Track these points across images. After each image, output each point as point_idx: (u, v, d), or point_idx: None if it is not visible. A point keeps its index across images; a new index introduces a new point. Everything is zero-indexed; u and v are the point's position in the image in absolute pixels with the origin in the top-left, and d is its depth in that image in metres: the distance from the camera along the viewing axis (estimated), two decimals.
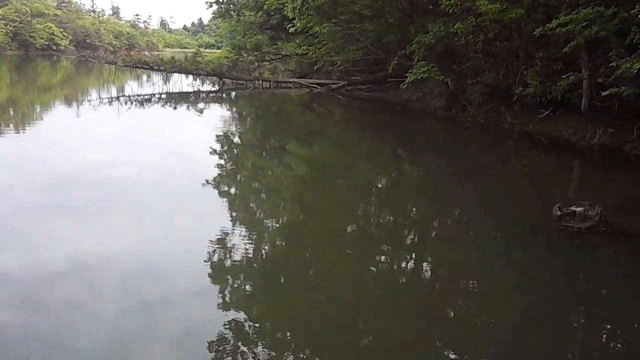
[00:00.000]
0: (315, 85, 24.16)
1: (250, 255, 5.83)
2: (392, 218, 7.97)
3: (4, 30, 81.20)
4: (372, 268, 5.72)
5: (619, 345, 4.34)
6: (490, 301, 4.90)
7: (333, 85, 23.54)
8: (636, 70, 9.43)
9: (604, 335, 4.52)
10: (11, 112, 19.20)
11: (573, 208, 6.17)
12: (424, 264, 6.07)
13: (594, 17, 10.37)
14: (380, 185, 9.88)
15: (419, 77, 15.62)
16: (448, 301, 4.95)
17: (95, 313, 4.45)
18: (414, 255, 6.25)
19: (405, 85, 16.60)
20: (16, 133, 14.04)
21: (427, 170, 10.75)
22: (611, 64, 10.21)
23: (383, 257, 6.12)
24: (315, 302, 4.88)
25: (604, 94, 10.65)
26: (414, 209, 8.36)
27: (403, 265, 6.02)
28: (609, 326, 4.60)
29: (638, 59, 9.42)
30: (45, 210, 7.13)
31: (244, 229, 6.74)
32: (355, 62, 22.40)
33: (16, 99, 23.40)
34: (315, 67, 25.46)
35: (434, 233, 7.29)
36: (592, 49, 11.70)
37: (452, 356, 3.99)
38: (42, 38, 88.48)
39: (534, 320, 4.56)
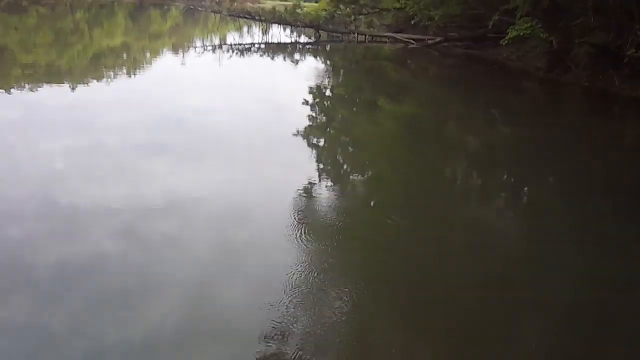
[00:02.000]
0: (411, 41, 23.79)
1: (333, 207, 6.07)
2: (480, 182, 8.00)
3: None
4: (459, 231, 5.71)
5: None
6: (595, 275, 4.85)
7: (429, 41, 23.07)
8: None
9: None
10: (124, 57, 20.89)
11: None
12: (516, 231, 6.09)
13: None
14: (469, 148, 9.74)
15: (521, 35, 14.99)
16: (548, 274, 4.79)
17: (186, 248, 4.87)
18: (503, 222, 6.31)
19: (506, 42, 15.95)
20: (128, 77, 15.38)
21: (521, 136, 10.48)
22: None
23: (470, 221, 6.09)
24: (397, 257, 5.04)
25: None
26: (504, 175, 8.32)
27: (491, 227, 6.00)
28: None
29: None
30: (148, 148, 7.82)
31: (330, 181, 7.08)
32: (454, 17, 21.71)
33: (129, 45, 25.26)
34: (412, 22, 24.89)
35: (524, 201, 7.30)
36: None
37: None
38: None
39: None
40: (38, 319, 3.73)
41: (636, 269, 4.96)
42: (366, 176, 7.81)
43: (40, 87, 12.63)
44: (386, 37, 25.59)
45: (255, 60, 20.39)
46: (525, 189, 7.62)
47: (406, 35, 24.65)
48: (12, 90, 11.98)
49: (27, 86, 12.61)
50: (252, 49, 23.22)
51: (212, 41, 27.94)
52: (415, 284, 4.54)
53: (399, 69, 20.58)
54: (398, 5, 24.89)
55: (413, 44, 23.56)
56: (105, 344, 3.47)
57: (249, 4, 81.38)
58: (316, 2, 40.67)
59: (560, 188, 7.57)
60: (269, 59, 21.16)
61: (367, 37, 25.82)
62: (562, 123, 11.28)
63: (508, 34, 15.52)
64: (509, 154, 9.14)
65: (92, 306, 3.90)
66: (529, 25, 14.67)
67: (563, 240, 5.52)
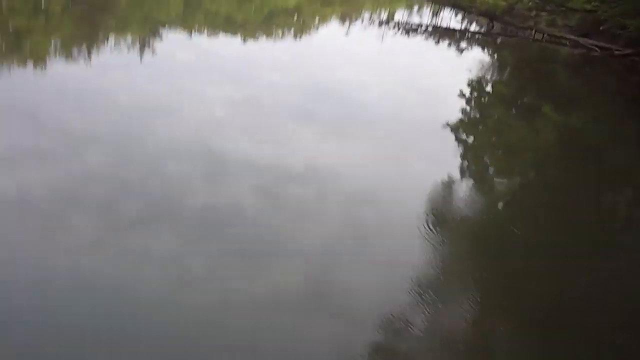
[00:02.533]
0: (594, 47, 21.48)
1: (467, 208, 5.87)
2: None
3: None
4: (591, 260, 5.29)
5: None
6: None
7: (616, 52, 20.63)
8: None
9: None
10: (294, 19, 21.59)
11: None
12: None
13: None
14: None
15: None
16: None
17: (317, 220, 5.06)
18: None
19: None
20: (293, 39, 15.97)
21: None
22: None
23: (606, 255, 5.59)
24: (520, 267, 4.80)
25: None
26: None
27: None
28: None
29: None
30: (298, 112, 8.14)
31: (471, 181, 6.81)
32: None
33: (301, 8, 26.04)
34: (601, 28, 22.41)
35: None
36: None
37: None
38: None
39: None
40: (178, 251, 4.05)
41: None
42: (510, 184, 7.32)
43: (215, 35, 13.61)
44: (567, 39, 23.38)
45: (419, 42, 19.89)
46: None
47: (590, 41, 22.28)
48: (192, 35, 13.03)
49: (204, 32, 13.65)
50: (419, 30, 22.66)
51: (379, 15, 27.75)
52: (532, 296, 4.23)
53: (573, 77, 18.79)
54: (589, 7, 22.51)
55: (597, 51, 21.25)
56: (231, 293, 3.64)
57: None
58: None
59: None
60: (434, 42, 20.51)
61: (544, 35, 23.83)
62: None
63: None
64: None
65: (224, 253, 4.15)
66: None
67: None
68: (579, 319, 4.04)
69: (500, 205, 6.57)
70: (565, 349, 3.68)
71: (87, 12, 13.18)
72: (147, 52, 10.15)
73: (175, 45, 11.49)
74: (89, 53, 9.39)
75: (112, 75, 8.41)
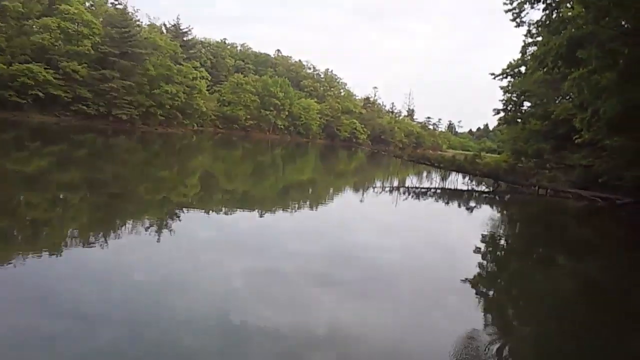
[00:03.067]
0: (596, 198, 22.51)
1: None
2: None
3: (319, 122, 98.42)
4: None
5: None
6: None
7: (618, 201, 21.57)
8: None
9: None
10: (310, 191, 23.16)
11: None
12: None
13: None
14: None
15: None
16: None
17: None
18: None
19: None
20: (310, 209, 16.92)
21: None
22: None
23: None
24: None
25: None
26: None
27: None
28: None
29: None
30: (318, 279, 8.45)
31: (493, 333, 6.87)
32: None
33: (316, 181, 27.98)
34: (600, 180, 23.73)
35: None
36: None
37: None
38: (346, 131, 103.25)
39: None
40: None
41: None
42: (531, 333, 7.39)
43: (233, 212, 14.57)
44: (570, 192, 24.59)
45: (430, 204, 20.99)
46: None
47: (592, 193, 23.42)
48: (210, 214, 13.98)
49: (222, 210, 14.65)
50: (428, 192, 24.05)
51: (390, 182, 29.60)
52: None
53: (582, 226, 19.40)
54: (585, 162, 24.13)
55: (600, 202, 22.23)
56: None
57: (430, 152, 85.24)
58: (498, 154, 41.19)
59: None
60: (444, 203, 21.63)
61: (548, 190, 25.11)
62: None
63: None
64: None
65: None
66: None
67: None
68: None
69: (524, 353, 6.70)
70: None
71: (105, 200, 13.97)
72: (166, 233, 10.51)
73: (193, 223, 11.99)
74: (106, 238, 9.58)
75: (130, 257, 8.62)
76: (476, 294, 8.89)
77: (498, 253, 13.23)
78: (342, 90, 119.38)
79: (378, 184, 28.62)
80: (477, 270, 10.48)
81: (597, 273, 11.56)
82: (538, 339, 7.22)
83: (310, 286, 8.12)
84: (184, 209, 14.03)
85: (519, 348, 6.78)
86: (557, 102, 27.94)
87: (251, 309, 6.83)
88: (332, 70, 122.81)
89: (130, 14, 65.87)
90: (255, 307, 6.91)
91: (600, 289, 10.16)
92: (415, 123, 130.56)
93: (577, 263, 12.44)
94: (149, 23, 77.19)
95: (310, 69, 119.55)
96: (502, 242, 14.87)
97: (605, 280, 10.81)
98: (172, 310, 6.41)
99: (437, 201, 21.98)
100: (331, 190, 24.29)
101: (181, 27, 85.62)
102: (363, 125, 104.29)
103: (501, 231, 16.76)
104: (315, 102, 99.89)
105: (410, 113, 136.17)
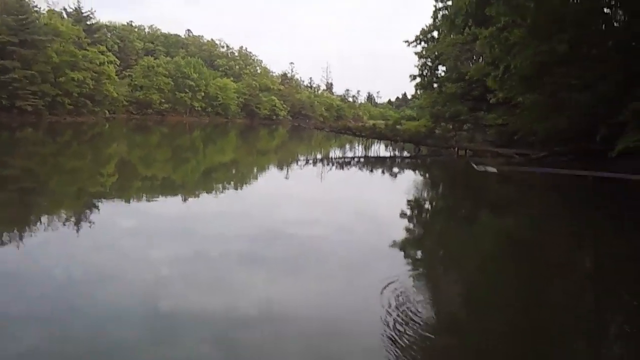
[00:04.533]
0: (513, 155, 23.31)
1: (424, 326, 5.67)
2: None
3: (237, 102, 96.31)
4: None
5: None
6: None
7: (533, 156, 22.43)
8: None
9: None
10: (233, 172, 22.35)
11: None
12: None
13: None
14: (569, 269, 8.97)
15: (631, 146, 14.19)
16: None
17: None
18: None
19: (615, 153, 15.12)
20: (234, 190, 16.24)
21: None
22: None
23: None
24: None
25: None
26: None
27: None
28: None
29: None
30: (246, 259, 7.99)
31: (424, 291, 6.75)
32: (558, 132, 21.10)
33: (238, 161, 27.12)
34: (515, 137, 24.63)
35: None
36: None
37: None
38: (265, 109, 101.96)
39: None
40: None
41: None
42: (460, 292, 7.21)
43: (155, 198, 13.69)
44: (488, 151, 25.34)
45: (355, 173, 20.88)
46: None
47: (509, 150, 24.25)
48: (131, 200, 13.07)
49: (143, 198, 13.72)
50: (352, 162, 23.91)
51: (314, 155, 29.29)
52: None
53: (502, 182, 19.96)
54: (499, 121, 24.89)
55: (516, 158, 23.03)
56: None
57: (351, 122, 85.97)
58: (417, 120, 41.99)
59: None
60: (368, 171, 21.58)
61: (467, 151, 25.76)
62: None
63: (617, 145, 14.70)
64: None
65: None
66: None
67: None
68: None
69: (453, 309, 6.51)
70: None
71: (16, 196, 12.90)
72: (84, 225, 9.88)
73: (113, 213, 11.26)
74: (21, 235, 8.93)
75: (48, 253, 8.03)
76: (405, 257, 8.76)
77: (424, 215, 13.24)
78: (258, 68, 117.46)
79: (302, 158, 28.18)
80: (405, 234, 10.40)
81: (517, 228, 11.74)
82: (467, 295, 7.11)
83: (239, 267, 7.67)
84: (101, 199, 13.09)
85: (449, 304, 6.63)
86: (470, 64, 28.51)
87: (180, 295, 6.39)
88: (246, 48, 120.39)
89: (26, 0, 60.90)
90: (184, 292, 6.47)
91: (521, 242, 10.24)
92: (334, 96, 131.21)
93: (499, 219, 12.62)
94: (47, 8, 71.48)
95: (223, 47, 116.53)
96: (427, 204, 14.93)
97: (525, 235, 10.95)
98: (97, 305, 5.90)
99: (362, 169, 21.90)
100: (255, 169, 23.57)
101: (83, 11, 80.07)
102: (282, 102, 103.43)
103: (425, 194, 16.88)
104: (231, 81, 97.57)
105: (329, 87, 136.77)
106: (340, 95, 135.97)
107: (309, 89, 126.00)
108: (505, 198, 16.22)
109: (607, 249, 9.62)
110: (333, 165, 22.30)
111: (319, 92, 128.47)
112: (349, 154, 29.27)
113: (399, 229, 10.57)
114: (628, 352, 5.47)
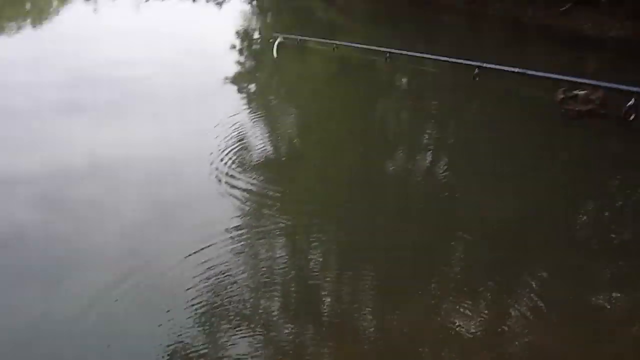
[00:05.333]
0: None
1: (267, 154, 5.90)
2: (407, 114, 8.03)
3: None
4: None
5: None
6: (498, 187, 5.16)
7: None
8: None
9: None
10: (27, 7, 19.01)
11: (576, 92, 6.43)
12: (433, 159, 6.24)
13: None
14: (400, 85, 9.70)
15: None
16: (449, 183, 5.27)
17: (116, 209, 4.65)
18: (426, 152, 6.47)
19: None
20: (33, 29, 14.04)
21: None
22: None
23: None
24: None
25: None
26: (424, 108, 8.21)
27: (414, 160, 6.21)
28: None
29: None
30: (64, 108, 7.23)
31: (264, 129, 6.81)
32: None
33: None
34: None
35: (444, 125, 7.41)
36: None
37: (451, 240, 4.25)
38: None
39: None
40: None
41: None
42: (297, 122, 7.52)
43: None
44: None
45: (175, 4, 19.16)
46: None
47: None
48: None
49: None
50: None
51: None
52: None
53: (327, 7, 19.89)
54: None
55: None
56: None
57: None
58: None
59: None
60: (191, 1, 19.96)
61: None
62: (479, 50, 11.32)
63: None
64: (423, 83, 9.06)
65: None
66: None
67: None
68: None
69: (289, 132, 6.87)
70: None
71: None
72: None
73: None
74: None
75: None
76: (238, 90, 8.73)
77: (253, 47, 12.92)
78: None
79: None
80: (236, 67, 10.21)
81: (344, 51, 12.12)
82: (303, 124, 7.39)
83: (56, 119, 6.91)
84: None
85: (281, 127, 6.98)
86: None
87: None
88: None
89: None
90: None
91: (349, 65, 10.70)
92: None
93: (326, 46, 12.79)
94: None
95: None
96: (256, 34, 14.53)
97: (351, 57, 11.39)
98: None
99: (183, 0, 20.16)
100: (55, 3, 20.24)
101: None
102: None
103: (254, 23, 16.34)
104: None
105: None
106: None
107: None
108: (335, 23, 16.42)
109: None
110: None
111: None
112: None
113: (230, 63, 10.38)
114: None
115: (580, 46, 10.99)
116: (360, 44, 9.94)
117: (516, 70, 7.19)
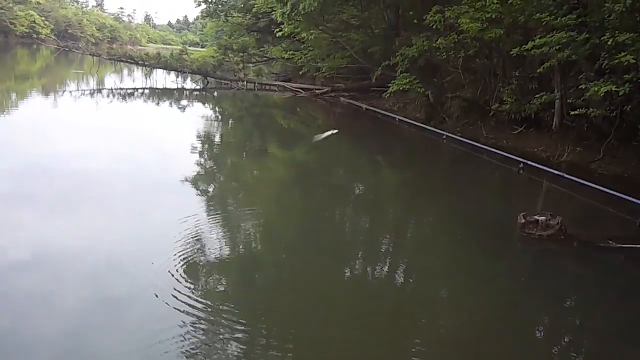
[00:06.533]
0: (299, 90, 24.39)
1: (224, 255, 5.84)
2: (364, 221, 8.21)
3: None
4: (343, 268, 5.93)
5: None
6: (454, 303, 5.24)
7: (317, 91, 23.81)
8: (603, 94, 9.90)
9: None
10: None
11: (536, 217, 6.59)
12: (390, 269, 6.25)
13: (567, 41, 10.83)
14: (355, 190, 10.09)
15: (401, 88, 16.14)
16: (414, 305, 5.23)
17: (57, 305, 4.50)
18: (383, 260, 6.50)
19: (387, 94, 17.01)
20: None
21: (401, 180, 11.01)
22: (581, 87, 10.75)
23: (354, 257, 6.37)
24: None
25: (573, 113, 11.25)
26: (383, 216, 8.45)
27: (370, 269, 6.21)
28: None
29: (605, 83, 9.88)
30: (14, 199, 7.14)
31: (220, 229, 6.71)
32: (340, 69, 22.77)
33: None
34: (300, 72, 25.69)
35: (402, 239, 7.56)
36: (564, 71, 12.16)
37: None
38: (22, 25, 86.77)
39: (493, 319, 4.94)
40: None
41: None
42: (257, 222, 7.47)
43: None
44: (275, 85, 26.01)
45: (139, 105, 19.59)
46: (400, 227, 7.89)
47: (294, 84, 25.26)
48: None
49: None
50: (135, 93, 22.32)
51: (88, 84, 26.48)
52: None
53: (288, 117, 20.86)
54: (286, 56, 25.59)
55: (301, 92, 24.15)
56: None
57: (129, 47, 79.23)
58: (202, 47, 40.51)
59: (429, 224, 7.86)
60: (154, 104, 20.46)
61: (255, 84, 26.05)
62: (437, 169, 12.15)
63: (389, 87, 16.52)
64: (386, 197, 9.46)
65: None
66: (407, 80, 15.91)
67: None
68: None
69: (247, 230, 6.84)
70: None
71: None
72: None
73: None
74: None
75: None
76: (197, 191, 8.75)
77: (215, 150, 13.17)
78: None
79: (74, 86, 25.22)
80: (196, 168, 10.30)
81: (305, 156, 12.60)
82: (258, 218, 7.39)
83: (4, 209, 6.76)
84: None
85: (242, 228, 6.93)
86: None
87: None
88: None
89: None
90: None
91: (307, 168, 11.09)
92: (107, 14, 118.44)
93: (288, 150, 13.29)
94: None
95: None
96: (217, 138, 14.87)
97: (313, 155, 11.96)
98: None
99: (147, 102, 20.64)
100: (14, 97, 20.31)
101: None
102: (43, 18, 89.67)
103: (215, 128, 16.77)
104: None
105: (100, 3, 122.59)
106: (114, 14, 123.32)
107: (76, 4, 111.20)
108: (296, 130, 17.11)
109: None
110: (113, 96, 20.49)
111: (88, 8, 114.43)
112: (130, 83, 27.20)
113: (190, 164, 10.43)
114: None
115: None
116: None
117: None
